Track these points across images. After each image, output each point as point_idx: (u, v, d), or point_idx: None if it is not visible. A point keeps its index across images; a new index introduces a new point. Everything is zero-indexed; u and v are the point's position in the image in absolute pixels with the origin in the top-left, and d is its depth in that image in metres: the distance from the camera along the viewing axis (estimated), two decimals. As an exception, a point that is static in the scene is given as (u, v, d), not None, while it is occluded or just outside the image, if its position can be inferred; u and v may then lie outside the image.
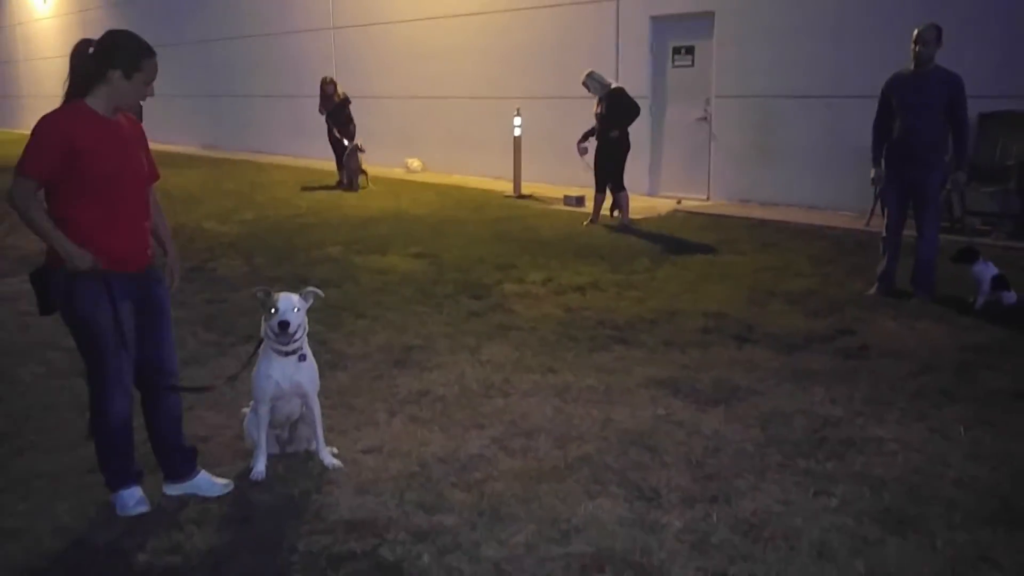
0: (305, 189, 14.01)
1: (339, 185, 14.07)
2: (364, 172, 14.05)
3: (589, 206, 11.50)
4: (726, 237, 9.35)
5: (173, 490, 3.78)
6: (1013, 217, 9.20)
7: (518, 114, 12.88)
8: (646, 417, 4.52)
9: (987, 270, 6.43)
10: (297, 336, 3.94)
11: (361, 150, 13.96)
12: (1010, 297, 6.41)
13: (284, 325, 3.84)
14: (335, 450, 4.14)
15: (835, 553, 3.22)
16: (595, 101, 10.33)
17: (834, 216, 10.11)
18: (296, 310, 3.91)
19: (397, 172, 15.85)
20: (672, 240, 9.34)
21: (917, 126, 6.61)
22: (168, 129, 23.13)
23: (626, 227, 10.04)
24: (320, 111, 14.38)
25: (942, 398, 4.74)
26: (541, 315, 6.46)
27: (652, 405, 4.68)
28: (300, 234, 9.94)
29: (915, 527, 3.40)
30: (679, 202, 11.90)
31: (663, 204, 11.74)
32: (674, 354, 5.53)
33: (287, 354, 3.95)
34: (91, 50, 3.47)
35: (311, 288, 4.10)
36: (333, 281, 7.52)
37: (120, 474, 3.64)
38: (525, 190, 12.98)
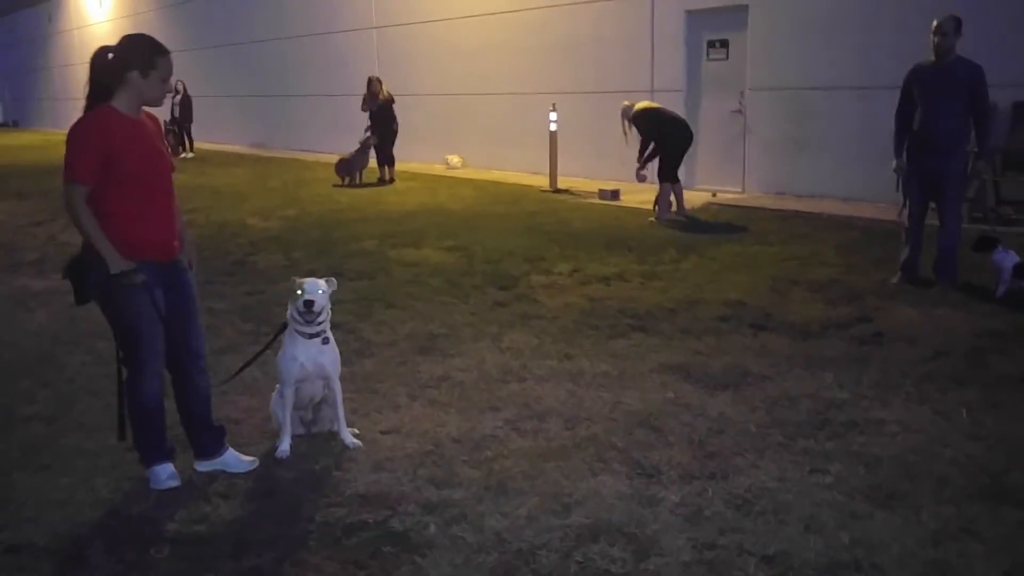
0: (345, 185, 14.33)
1: (382, 182, 14.42)
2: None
3: (625, 200, 11.67)
4: (756, 229, 9.43)
5: (203, 466, 4.04)
6: (1047, 206, 9.15)
7: (554, 109, 13.05)
8: (655, 400, 4.68)
9: (1008, 258, 6.46)
10: (321, 319, 4.17)
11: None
12: (1032, 285, 6.43)
13: (309, 303, 4.08)
14: (356, 431, 4.37)
15: (823, 526, 3.36)
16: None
17: (868, 207, 10.12)
18: (321, 292, 4.14)
19: (438, 168, 16.13)
20: (702, 232, 9.45)
21: (938, 117, 6.65)
22: (218, 129, 23.76)
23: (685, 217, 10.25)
24: (363, 109, 14.71)
25: (950, 382, 4.83)
26: (564, 305, 6.64)
27: (662, 389, 4.84)
28: (338, 228, 10.23)
29: (904, 502, 3.53)
30: (714, 195, 11.98)
31: (699, 197, 11.82)
32: (690, 341, 5.68)
33: (311, 336, 4.18)
34: (110, 56, 3.73)
35: (331, 278, 4.32)
36: (367, 273, 7.79)
37: (153, 451, 3.91)
38: (562, 184, 13.15)
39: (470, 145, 16.42)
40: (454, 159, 16.39)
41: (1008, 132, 9.50)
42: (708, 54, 12.46)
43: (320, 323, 4.18)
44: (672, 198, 10.48)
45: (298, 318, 4.14)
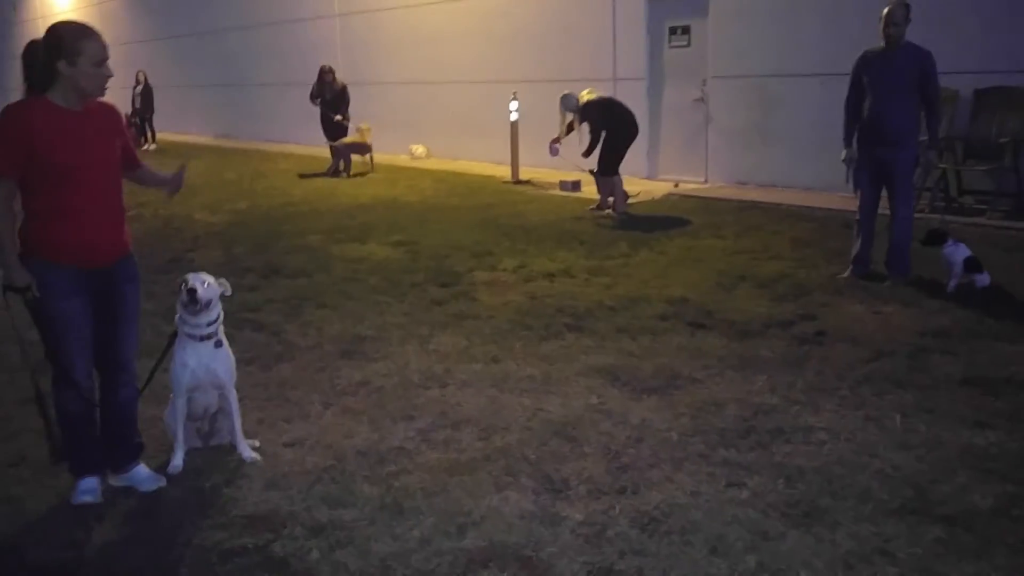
0: (304, 176, 14.05)
1: (336, 172, 14.14)
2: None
3: (586, 191, 11.43)
4: (712, 221, 9.21)
5: (117, 481, 3.80)
6: (1009, 196, 8.96)
7: (515, 98, 12.78)
8: (577, 407, 4.46)
9: (958, 251, 6.26)
10: (211, 318, 3.92)
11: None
12: (983, 279, 6.23)
13: (192, 292, 3.83)
14: (257, 443, 4.13)
15: (730, 548, 3.15)
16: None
17: (829, 197, 9.90)
18: (206, 284, 3.89)
19: (402, 159, 15.84)
20: (657, 224, 9.22)
21: (888, 105, 6.44)
22: (183, 119, 23.36)
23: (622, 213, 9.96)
24: (311, 98, 14.45)
25: (888, 385, 4.62)
26: (503, 303, 6.41)
27: (587, 394, 4.62)
28: (286, 223, 9.96)
29: (821, 520, 3.32)
30: (676, 185, 11.75)
31: (661, 188, 11.60)
32: (624, 342, 5.45)
33: (202, 338, 3.92)
34: (37, 48, 3.48)
35: (223, 279, 4.07)
36: (304, 270, 7.54)
37: (77, 463, 3.69)
38: (525, 175, 12.89)
39: (435, 135, 16.13)
40: (418, 149, 16.11)
41: (969, 121, 9.31)
42: (670, 41, 12.21)
43: (211, 323, 3.93)
44: (629, 188, 10.27)
45: (182, 311, 3.88)
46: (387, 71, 16.90)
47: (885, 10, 6.44)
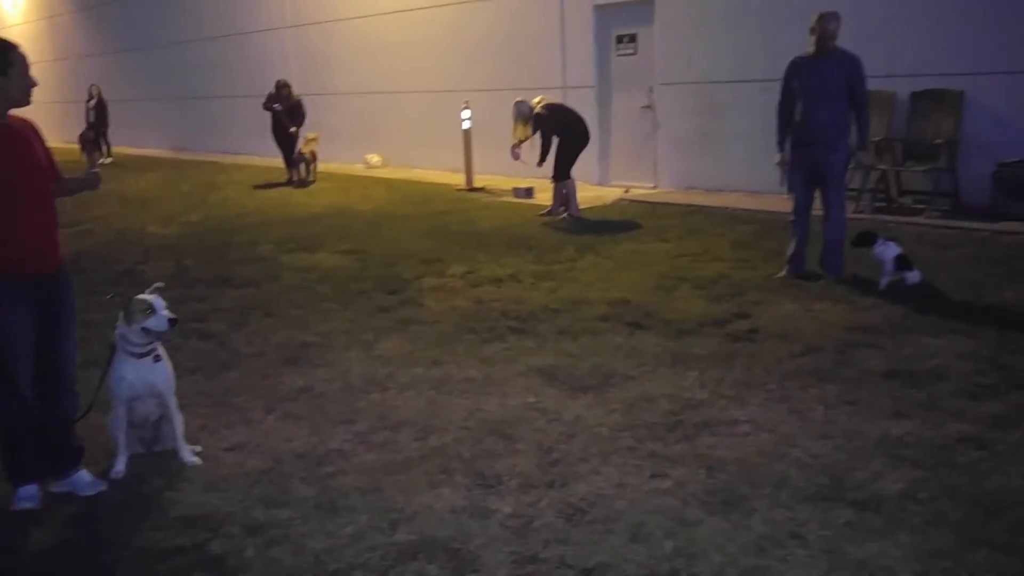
0: (258, 188, 14.08)
1: (291, 183, 14.18)
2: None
3: (539, 198, 11.58)
4: (658, 225, 9.40)
5: (57, 487, 3.85)
6: (945, 195, 9.25)
7: (466, 107, 12.92)
8: (514, 406, 4.59)
9: (888, 250, 6.48)
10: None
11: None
12: (913, 276, 6.45)
13: (175, 321, 4.00)
14: (199, 448, 4.21)
15: (649, 535, 3.29)
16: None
17: (771, 200, 10.13)
18: (165, 307, 4.01)
19: (357, 168, 15.91)
20: (605, 229, 9.39)
21: (819, 109, 6.65)
22: (139, 133, 23.21)
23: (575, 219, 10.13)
24: (267, 106, 14.50)
25: (814, 379, 4.80)
26: (448, 308, 6.52)
27: (524, 394, 4.75)
28: (238, 234, 10.00)
29: (738, 507, 3.47)
30: (626, 191, 11.94)
31: (612, 193, 11.78)
32: (564, 343, 5.59)
33: (142, 355, 4.01)
34: None
35: (157, 285, 4.16)
36: (254, 280, 7.61)
37: (18, 471, 3.75)
38: (479, 183, 13.02)
39: (390, 144, 16.22)
40: (374, 158, 16.19)
41: (907, 122, 9.59)
42: (617, 49, 12.42)
43: (151, 341, 4.03)
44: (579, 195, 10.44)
45: (137, 338, 3.97)
46: (341, 82, 16.99)
47: (815, 18, 6.66)
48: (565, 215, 10.20)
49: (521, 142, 10.56)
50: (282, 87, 14.49)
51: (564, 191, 10.25)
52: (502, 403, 4.63)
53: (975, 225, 8.34)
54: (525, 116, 10.22)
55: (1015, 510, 3.36)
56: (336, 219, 10.73)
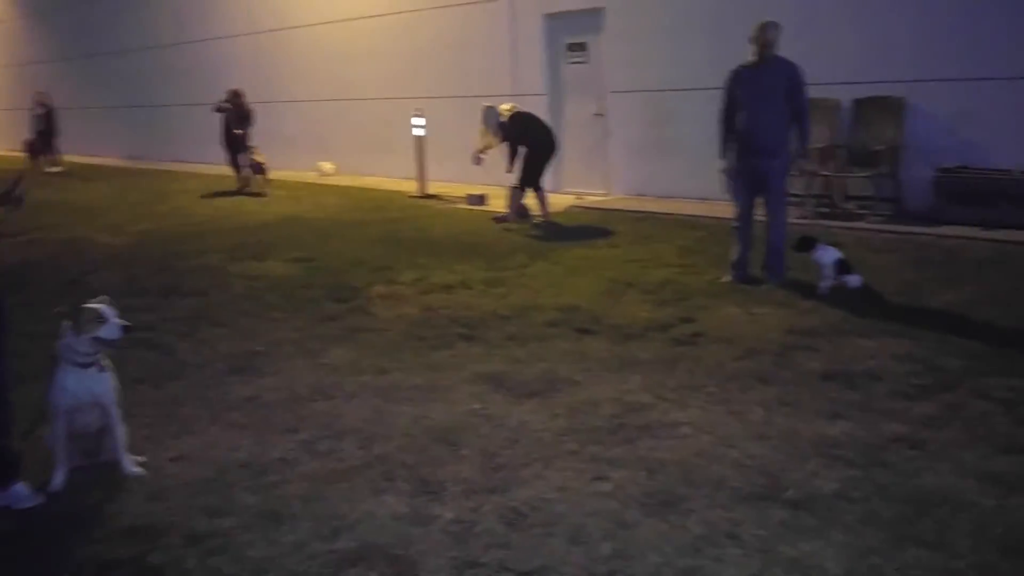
0: (209, 196, 13.96)
1: (242, 192, 14.08)
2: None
3: (493, 204, 11.64)
4: (609, 231, 9.50)
5: None
6: (888, 201, 9.45)
7: (418, 114, 12.93)
8: (460, 412, 4.62)
9: (828, 255, 6.61)
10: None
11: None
12: (854, 280, 6.59)
13: (128, 328, 3.99)
14: (142, 459, 4.18)
15: (588, 537, 3.34)
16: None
17: (719, 206, 10.26)
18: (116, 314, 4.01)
19: (310, 176, 15.85)
20: (556, 236, 9.47)
21: (760, 116, 6.79)
22: (90, 141, 22.88)
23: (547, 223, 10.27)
24: (216, 110, 14.40)
25: (753, 381, 4.89)
26: (397, 316, 6.54)
27: (470, 400, 4.78)
28: (187, 242, 9.91)
29: (676, 508, 3.53)
30: (579, 198, 12.03)
31: (564, 200, 11.85)
32: (512, 349, 5.64)
33: (87, 365, 3.98)
34: None
35: (101, 299, 4.14)
36: (202, 290, 7.55)
37: None
38: (433, 190, 13.04)
39: (343, 151, 16.20)
40: (327, 166, 16.14)
41: (850, 129, 9.80)
42: (568, 57, 12.53)
43: (97, 351, 4.00)
44: (531, 204, 10.50)
45: (85, 347, 3.94)
46: (295, 89, 16.93)
47: (755, 27, 6.79)
48: (540, 220, 10.32)
49: (484, 149, 10.61)
50: (234, 95, 14.39)
51: (522, 199, 10.36)
52: (448, 410, 4.66)
53: (916, 229, 8.55)
54: (492, 123, 10.26)
55: (943, 508, 3.46)
56: (287, 227, 10.68)
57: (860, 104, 9.73)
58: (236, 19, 18.26)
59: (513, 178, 10.39)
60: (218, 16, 18.76)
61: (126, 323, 3.99)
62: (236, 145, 14.34)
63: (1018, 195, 8.42)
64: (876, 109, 9.63)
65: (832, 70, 9.41)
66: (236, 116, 14.26)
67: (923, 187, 9.10)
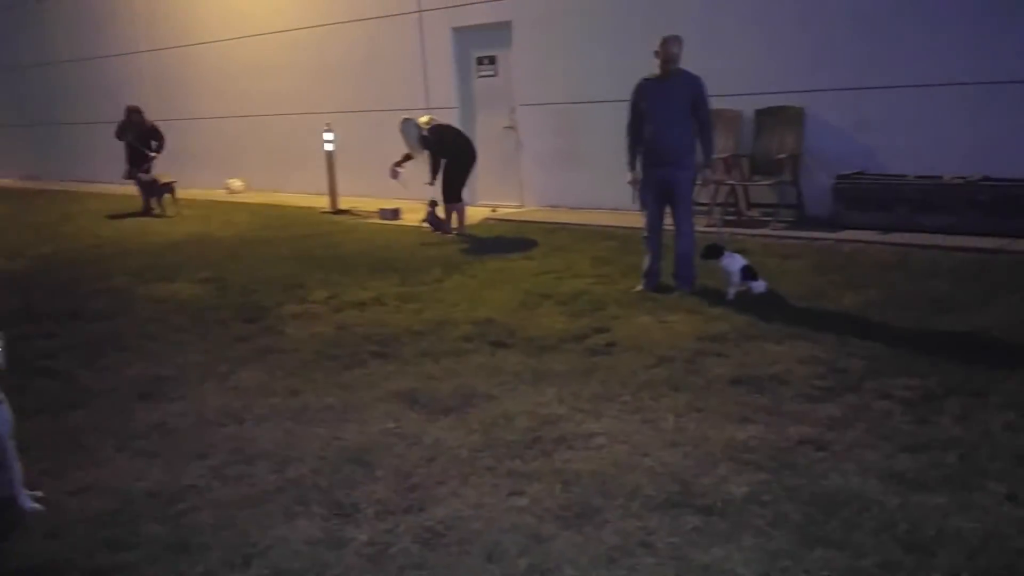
0: (114, 217, 13.55)
1: (149, 213, 13.66)
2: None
3: (405, 219, 11.61)
4: (524, 243, 9.55)
5: None
6: (790, 207, 9.72)
7: (329, 129, 12.81)
8: (374, 432, 4.56)
9: (734, 262, 6.77)
10: None
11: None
12: (759, 286, 6.76)
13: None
14: (39, 493, 4.02)
15: (505, 553, 3.33)
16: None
17: (630, 216, 10.39)
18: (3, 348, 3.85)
19: (219, 194, 15.54)
20: (472, 249, 9.47)
21: (666, 128, 6.92)
22: (-16, 162, 22.05)
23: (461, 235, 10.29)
24: (119, 136, 13.94)
25: (666, 388, 4.96)
26: (309, 335, 6.44)
27: (384, 419, 4.73)
28: (91, 265, 9.60)
29: (592, 519, 3.55)
30: (494, 210, 12.07)
31: (479, 213, 11.86)
32: (427, 365, 5.60)
33: (-21, 398, 3.83)
34: None
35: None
36: (107, 313, 7.32)
37: None
38: (344, 205, 12.92)
39: (252, 168, 15.94)
40: (236, 183, 15.85)
41: (753, 139, 10.05)
42: (478, 70, 12.58)
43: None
44: (454, 216, 10.50)
45: None
46: (201, 106, 16.60)
47: (660, 41, 6.91)
48: (455, 234, 10.31)
49: (402, 162, 10.52)
50: (133, 112, 13.93)
51: (453, 210, 10.35)
52: (361, 430, 4.60)
53: (817, 235, 8.81)
54: (411, 136, 10.20)
55: (849, 507, 3.55)
56: (195, 247, 10.44)
57: (761, 114, 10.00)
58: (137, 36, 17.83)
59: (435, 190, 10.37)
60: (117, 33, 18.28)
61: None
62: (141, 165, 13.85)
63: (914, 199, 8.75)
64: (777, 119, 9.90)
65: (734, 82, 9.65)
66: (141, 137, 13.78)
67: (823, 194, 9.39)
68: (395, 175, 10.59)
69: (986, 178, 8.50)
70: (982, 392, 4.64)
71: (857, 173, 9.31)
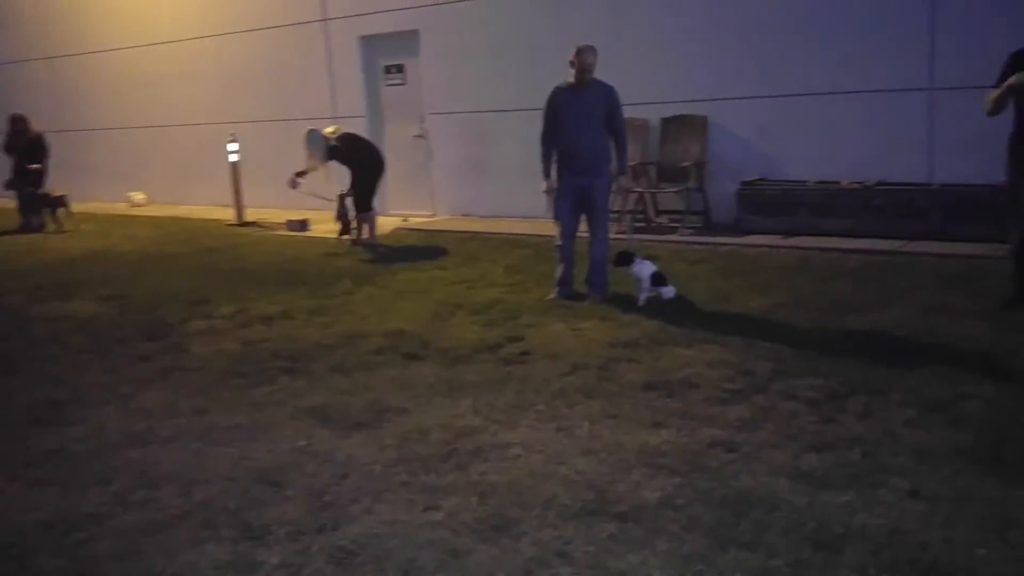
0: (5, 234, 12.95)
1: (25, 229, 13.02)
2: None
3: (314, 230, 11.45)
4: (436, 252, 9.50)
5: None
6: (697, 214, 9.91)
7: (233, 139, 12.54)
8: (284, 451, 4.45)
9: (644, 269, 6.85)
10: None
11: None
12: (668, 291, 6.86)
13: None
14: (-76, 530, 3.80)
15: (421, 570, 3.28)
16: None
17: (542, 224, 10.44)
18: None
19: (120, 207, 15.06)
20: (383, 260, 9.39)
21: (582, 137, 6.95)
22: None
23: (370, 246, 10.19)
24: (4, 150, 13.33)
25: (580, 396, 4.98)
26: (215, 352, 6.26)
27: (295, 437, 4.62)
28: (-21, 285, 9.18)
29: (508, 531, 3.53)
30: (405, 220, 11.98)
31: (391, 222, 11.76)
32: (338, 380, 5.50)
33: None
34: None
35: None
36: (-2, 335, 7.00)
37: None
38: (251, 216, 12.66)
39: (155, 180, 15.49)
40: (138, 196, 15.38)
41: (660, 146, 10.21)
42: (386, 79, 12.48)
43: None
44: (365, 227, 10.39)
45: None
46: (100, 116, 16.07)
47: (574, 51, 6.94)
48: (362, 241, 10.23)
49: (303, 173, 10.33)
50: (17, 122, 13.27)
51: (364, 221, 10.23)
52: (271, 449, 4.49)
53: (723, 240, 9.01)
54: (316, 146, 10.00)
55: (759, 508, 3.61)
56: (95, 263, 10.08)
57: (667, 123, 10.17)
58: (29, 43, 17.14)
59: (349, 201, 10.25)
60: (7, 39, 17.54)
61: None
62: (28, 181, 13.18)
63: (814, 204, 9.02)
64: (682, 127, 10.09)
65: (641, 91, 9.78)
66: (26, 149, 13.14)
67: (728, 200, 9.61)
68: (295, 185, 10.37)
69: (881, 183, 8.81)
70: (883, 390, 4.78)
71: (759, 179, 9.54)
